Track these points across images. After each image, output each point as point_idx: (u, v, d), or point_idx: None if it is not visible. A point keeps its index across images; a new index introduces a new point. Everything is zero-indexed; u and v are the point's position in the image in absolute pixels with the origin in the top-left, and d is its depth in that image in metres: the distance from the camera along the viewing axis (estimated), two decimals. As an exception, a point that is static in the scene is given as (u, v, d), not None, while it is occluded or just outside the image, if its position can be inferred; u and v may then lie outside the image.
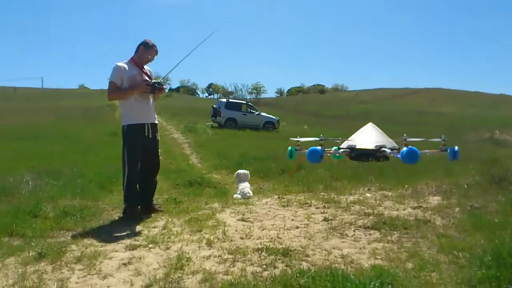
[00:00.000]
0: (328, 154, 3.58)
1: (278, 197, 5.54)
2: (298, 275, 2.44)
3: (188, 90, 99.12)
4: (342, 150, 3.71)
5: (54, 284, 2.59)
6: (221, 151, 12.91)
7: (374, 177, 6.83)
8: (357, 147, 3.51)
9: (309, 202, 5.09)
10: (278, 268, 2.75)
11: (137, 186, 4.70)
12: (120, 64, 4.53)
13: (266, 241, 3.39)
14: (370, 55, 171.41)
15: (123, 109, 4.61)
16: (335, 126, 28.67)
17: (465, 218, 3.86)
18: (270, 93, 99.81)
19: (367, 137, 3.77)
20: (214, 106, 24.84)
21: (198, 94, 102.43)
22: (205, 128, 21.75)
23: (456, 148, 3.16)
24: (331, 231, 3.74)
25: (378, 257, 2.95)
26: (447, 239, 3.23)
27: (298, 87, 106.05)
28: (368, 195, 5.55)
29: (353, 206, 4.75)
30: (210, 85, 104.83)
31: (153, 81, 4.60)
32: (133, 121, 4.56)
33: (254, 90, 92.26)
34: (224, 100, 26.96)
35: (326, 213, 4.48)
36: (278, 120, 25.06)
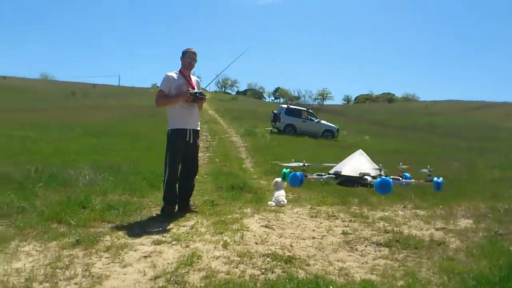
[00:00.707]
0: (311, 179, 3.73)
1: (310, 208, 5.73)
2: (286, 281, 2.66)
3: (255, 93, 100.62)
4: (327, 176, 3.85)
5: (80, 268, 3.02)
6: (276, 157, 13.18)
7: (415, 195, 6.78)
8: (342, 173, 3.64)
9: (337, 215, 5.23)
10: (275, 273, 2.99)
11: (176, 187, 5.11)
12: (169, 73, 5.01)
13: (277, 248, 3.64)
14: (445, 65, 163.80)
15: (169, 115, 5.06)
16: (398, 137, 27.97)
17: (483, 243, 3.84)
18: (337, 99, 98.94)
19: (353, 164, 3.86)
20: (275, 111, 25.16)
21: (265, 98, 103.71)
22: (264, 133, 22.14)
23: (441, 179, 3.23)
24: (344, 244, 3.90)
25: (375, 272, 3.10)
26: (451, 262, 3.29)
27: (367, 94, 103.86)
28: (400, 212, 5.58)
29: (378, 223, 4.84)
30: (277, 89, 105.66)
31: (195, 91, 4.99)
32: (176, 126, 5.00)
33: (320, 96, 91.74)
34: (285, 106, 27.19)
35: (348, 226, 4.62)
36: (337, 128, 24.87)
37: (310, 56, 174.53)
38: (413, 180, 3.87)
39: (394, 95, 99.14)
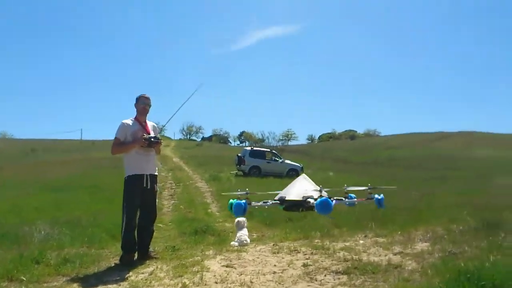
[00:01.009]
0: (256, 207, 3.83)
1: (273, 244, 5.72)
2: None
3: (220, 138, 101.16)
4: (272, 202, 3.95)
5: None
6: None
7: (375, 224, 6.91)
8: (286, 198, 3.75)
9: (299, 249, 5.25)
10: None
11: (135, 234, 5.02)
12: (125, 121, 5.04)
13: (236, 286, 3.62)
14: (405, 98, 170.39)
15: (125, 161, 5.04)
16: (360, 173, 28.53)
17: (437, 263, 3.96)
18: (301, 139, 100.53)
19: (297, 189, 3.99)
20: (239, 154, 25.41)
21: (230, 142, 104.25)
22: (229, 177, 22.15)
23: (381, 196, 3.35)
24: (304, 275, 3.93)
25: (332, 299, 3.12)
26: (405, 283, 3.37)
27: (330, 133, 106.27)
28: (361, 241, 5.65)
29: (338, 253, 4.89)
30: (241, 133, 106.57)
31: (149, 135, 5.02)
32: (133, 172, 4.98)
33: (285, 137, 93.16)
34: (249, 148, 27.49)
35: (309, 259, 4.65)
36: (302, 167, 25.26)
37: (275, 97, 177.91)
38: (355, 199, 4.01)
39: (356, 131, 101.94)
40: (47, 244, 5.55)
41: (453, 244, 4.94)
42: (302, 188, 3.99)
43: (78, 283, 3.94)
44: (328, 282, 3.67)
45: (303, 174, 4.35)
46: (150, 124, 5.23)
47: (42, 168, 28.86)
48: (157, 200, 5.37)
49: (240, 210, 3.08)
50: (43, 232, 6.20)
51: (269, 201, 3.84)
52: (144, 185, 4.98)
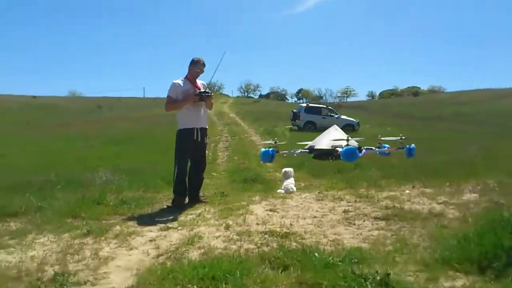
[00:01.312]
0: (284, 154, 3.75)
1: (318, 193, 5.81)
2: (276, 251, 2.81)
3: (277, 96, 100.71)
4: (301, 150, 3.92)
5: (89, 252, 3.24)
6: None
7: (425, 177, 6.78)
8: (316, 147, 3.70)
9: (343, 197, 5.31)
10: (269, 246, 3.13)
11: (186, 180, 5.32)
12: (176, 81, 5.27)
13: (276, 227, 3.77)
14: (472, 53, 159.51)
15: (178, 117, 5.34)
16: (423, 128, 27.55)
17: (480, 212, 3.88)
18: (361, 96, 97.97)
19: (327, 138, 3.91)
20: (294, 110, 25.38)
21: (288, 100, 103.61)
22: (283, 131, 22.25)
23: (413, 145, 3.23)
24: (343, 220, 4.02)
25: (366, 241, 3.21)
26: (443, 230, 3.36)
27: (391, 89, 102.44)
28: (407, 191, 5.61)
29: (382, 201, 4.90)
30: (299, 91, 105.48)
31: (200, 91, 5.21)
32: (184, 126, 5.26)
33: (344, 94, 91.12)
34: (304, 104, 27.37)
35: (351, 206, 4.71)
36: (358, 122, 24.85)
37: (334, 56, 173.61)
38: (387, 148, 3.93)
39: (419, 88, 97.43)
40: (107, 188, 5.98)
41: (504, 196, 4.79)
42: (332, 137, 3.97)
43: (133, 221, 4.27)
44: (366, 227, 3.74)
45: (334, 125, 4.28)
46: (199, 82, 5.42)
47: (106, 124, 30.42)
48: (206, 152, 5.59)
49: (268, 157, 3.07)
50: (104, 178, 6.67)
51: (298, 150, 3.81)
52: (195, 138, 5.23)
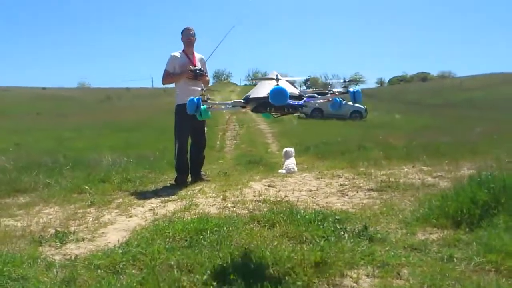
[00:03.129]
0: (214, 106, 2.91)
1: (318, 172, 5.94)
2: (267, 213, 2.95)
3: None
4: (234, 101, 2.96)
5: (90, 218, 3.42)
6: (301, 139, 13.41)
7: (427, 157, 6.85)
8: (251, 96, 2.75)
9: (341, 175, 5.43)
10: (261, 211, 3.28)
11: (187, 157, 5.46)
12: (173, 53, 5.37)
13: (271, 198, 3.91)
14: (482, 37, 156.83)
15: (176, 91, 5.42)
16: (430, 114, 27.42)
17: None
18: (370, 83, 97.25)
19: (266, 86, 2.86)
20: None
21: (296, 88, 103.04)
22: (291, 118, 22.27)
23: (358, 89, 2.60)
24: (337, 192, 4.14)
25: (355, 207, 3.33)
26: (431, 196, 3.46)
27: (400, 76, 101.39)
28: (405, 169, 5.70)
29: (379, 177, 5.00)
30: (308, 79, 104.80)
31: (194, 68, 5.30)
32: (182, 101, 5.30)
33: (353, 82, 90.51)
34: (311, 90, 27.23)
35: (348, 181, 4.82)
36: (365, 109, 24.65)
37: (341, 42, 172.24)
38: (330, 94, 3.10)
39: (428, 73, 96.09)
40: (113, 168, 6.16)
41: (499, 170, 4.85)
42: (272, 84, 2.87)
43: (135, 196, 4.44)
44: (358, 197, 3.87)
45: (274, 71, 2.99)
46: (198, 56, 5.48)
47: (116, 113, 30.70)
48: (206, 129, 5.70)
49: (192, 107, 2.33)
50: (110, 160, 6.86)
51: (230, 102, 2.85)
52: None
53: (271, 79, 2.44)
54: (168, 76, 5.36)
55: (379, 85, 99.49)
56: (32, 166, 6.20)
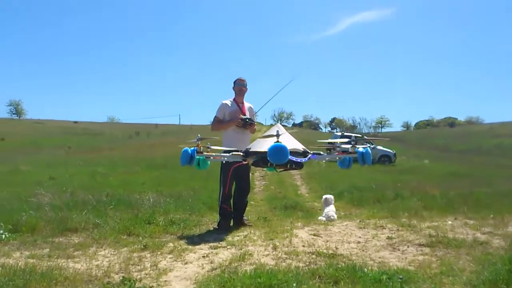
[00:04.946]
0: (210, 158, 2.65)
1: (359, 221, 5.92)
2: (327, 268, 2.97)
3: (310, 124, 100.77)
4: (233, 154, 2.70)
5: (148, 264, 3.50)
6: (330, 182, 13.39)
7: (468, 208, 6.76)
8: (251, 150, 2.53)
9: (384, 225, 5.40)
10: (318, 264, 3.29)
11: (231, 203, 5.55)
12: (224, 101, 5.57)
13: (322, 249, 3.93)
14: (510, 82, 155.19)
15: (223, 138, 5.59)
16: (460, 161, 26.99)
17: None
18: (396, 126, 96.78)
19: (268, 141, 2.89)
20: (329, 140, 25.27)
21: (321, 129, 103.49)
22: (318, 161, 22.26)
23: (367, 149, 2.30)
24: (387, 246, 4.12)
25: (412, 264, 3.31)
26: (488, 256, 3.42)
27: (427, 120, 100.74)
28: (449, 222, 5.64)
29: (425, 230, 4.96)
30: (333, 120, 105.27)
31: (244, 117, 5.47)
32: (229, 147, 5.47)
33: (379, 124, 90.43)
34: (339, 133, 27.26)
35: (394, 234, 4.80)
36: (394, 153, 24.46)
37: (366, 84, 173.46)
38: (337, 153, 2.88)
39: (456, 119, 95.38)
40: (155, 209, 6.29)
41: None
42: (274, 138, 2.83)
43: (184, 240, 4.52)
44: (410, 252, 3.84)
45: (278, 124, 2.80)
46: (247, 105, 5.68)
47: (146, 149, 31.31)
48: (250, 175, 5.81)
49: (186, 158, 2.13)
50: (151, 200, 7.00)
51: (229, 154, 2.61)
52: (239, 160, 5.46)
53: (273, 136, 2.37)
54: (218, 123, 5.54)
55: (405, 128, 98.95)
56: (77, 204, 6.39)
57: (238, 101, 5.59)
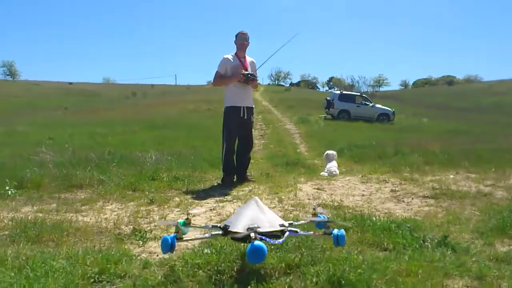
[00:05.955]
0: (189, 241, 2.54)
1: (362, 176, 5.96)
2: (335, 218, 3.00)
3: (308, 84, 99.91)
4: (212, 234, 2.53)
5: (156, 216, 3.53)
6: (329, 141, 13.41)
7: (469, 163, 6.82)
8: (229, 229, 2.41)
9: (387, 179, 5.45)
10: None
11: (234, 159, 5.55)
12: (226, 56, 5.45)
13: (327, 201, 3.97)
14: (510, 40, 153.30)
15: (225, 93, 5.52)
16: (459, 119, 27.00)
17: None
18: (394, 85, 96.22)
19: (245, 217, 2.63)
20: (328, 98, 25.14)
21: (319, 88, 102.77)
22: (317, 120, 22.29)
23: (342, 231, 2.25)
24: (392, 198, 4.17)
25: (418, 214, 3.36)
26: (493, 205, 3.47)
27: (425, 78, 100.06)
28: (451, 176, 5.69)
29: (428, 184, 5.01)
30: (330, 79, 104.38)
31: (246, 72, 5.38)
32: (231, 103, 5.44)
33: (376, 83, 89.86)
34: (338, 92, 27.06)
35: (397, 187, 4.84)
36: (393, 112, 24.34)
37: (365, 43, 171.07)
38: (311, 232, 2.71)
39: (454, 77, 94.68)
40: (158, 166, 6.29)
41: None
42: (250, 216, 2.62)
43: (189, 195, 4.55)
44: (415, 204, 3.89)
45: (255, 198, 2.58)
46: (249, 60, 5.56)
47: (143, 110, 31.14)
48: (253, 131, 5.79)
49: (166, 247, 2.01)
50: (153, 157, 7.00)
51: (209, 233, 2.43)
52: (241, 116, 5.42)
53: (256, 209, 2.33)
54: (219, 78, 5.45)
55: (403, 87, 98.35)
56: (81, 161, 6.38)
57: (239, 55, 5.48)
